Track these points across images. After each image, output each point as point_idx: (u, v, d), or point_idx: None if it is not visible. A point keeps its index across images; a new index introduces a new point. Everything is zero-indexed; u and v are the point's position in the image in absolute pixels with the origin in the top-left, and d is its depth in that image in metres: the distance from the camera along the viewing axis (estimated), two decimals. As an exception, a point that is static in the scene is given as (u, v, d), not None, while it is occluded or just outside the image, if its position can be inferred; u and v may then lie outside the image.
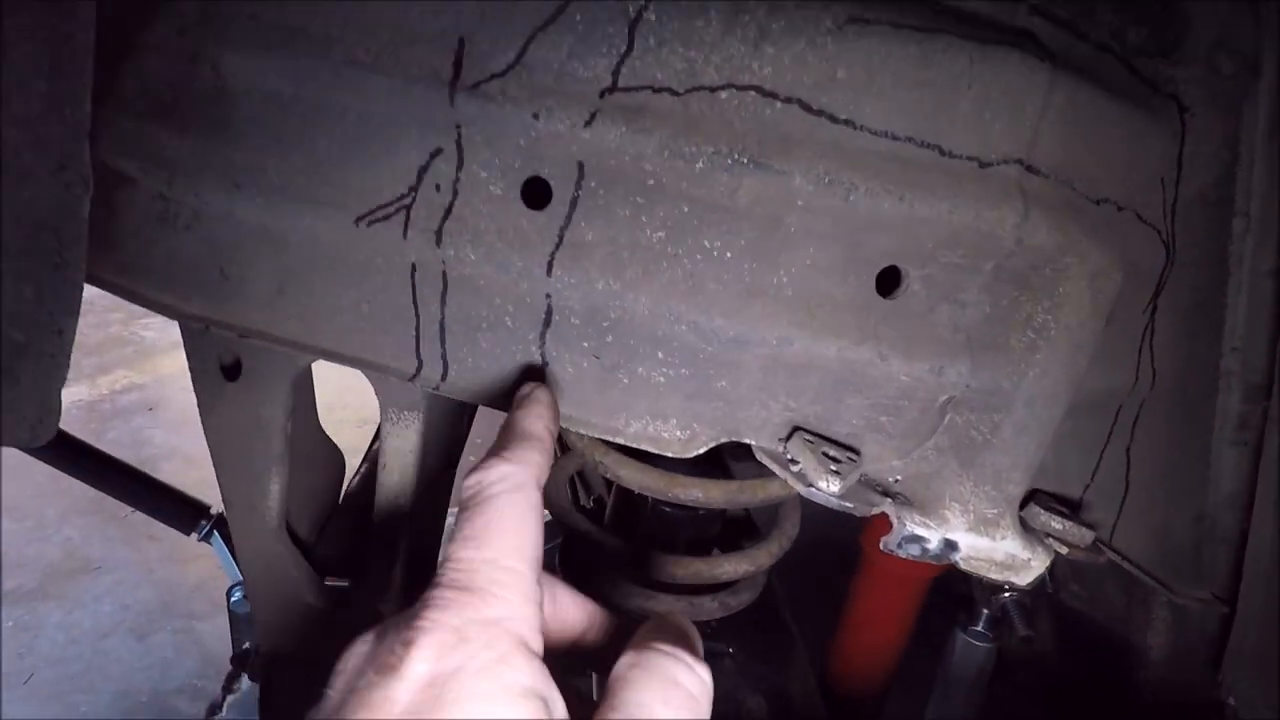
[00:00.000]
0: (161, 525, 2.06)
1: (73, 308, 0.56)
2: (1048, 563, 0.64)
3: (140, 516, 2.12)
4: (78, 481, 1.95)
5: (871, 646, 1.34)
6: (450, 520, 0.88)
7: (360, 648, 0.45)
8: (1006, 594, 1.09)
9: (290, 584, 0.79)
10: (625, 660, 0.46)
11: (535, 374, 0.61)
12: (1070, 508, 0.73)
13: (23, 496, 3.10)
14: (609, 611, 0.55)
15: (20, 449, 0.64)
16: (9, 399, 0.59)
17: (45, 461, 1.83)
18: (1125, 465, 0.77)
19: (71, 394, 3.76)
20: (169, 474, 2.15)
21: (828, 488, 0.56)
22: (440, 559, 0.47)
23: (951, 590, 1.20)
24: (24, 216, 0.51)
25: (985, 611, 1.14)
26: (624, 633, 0.51)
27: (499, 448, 0.52)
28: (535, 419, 0.55)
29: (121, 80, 0.59)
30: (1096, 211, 0.61)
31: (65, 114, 0.47)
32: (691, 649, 0.46)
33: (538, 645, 0.45)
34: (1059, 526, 0.65)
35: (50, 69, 0.46)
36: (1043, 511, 0.65)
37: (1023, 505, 0.67)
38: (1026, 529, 0.65)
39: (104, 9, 0.52)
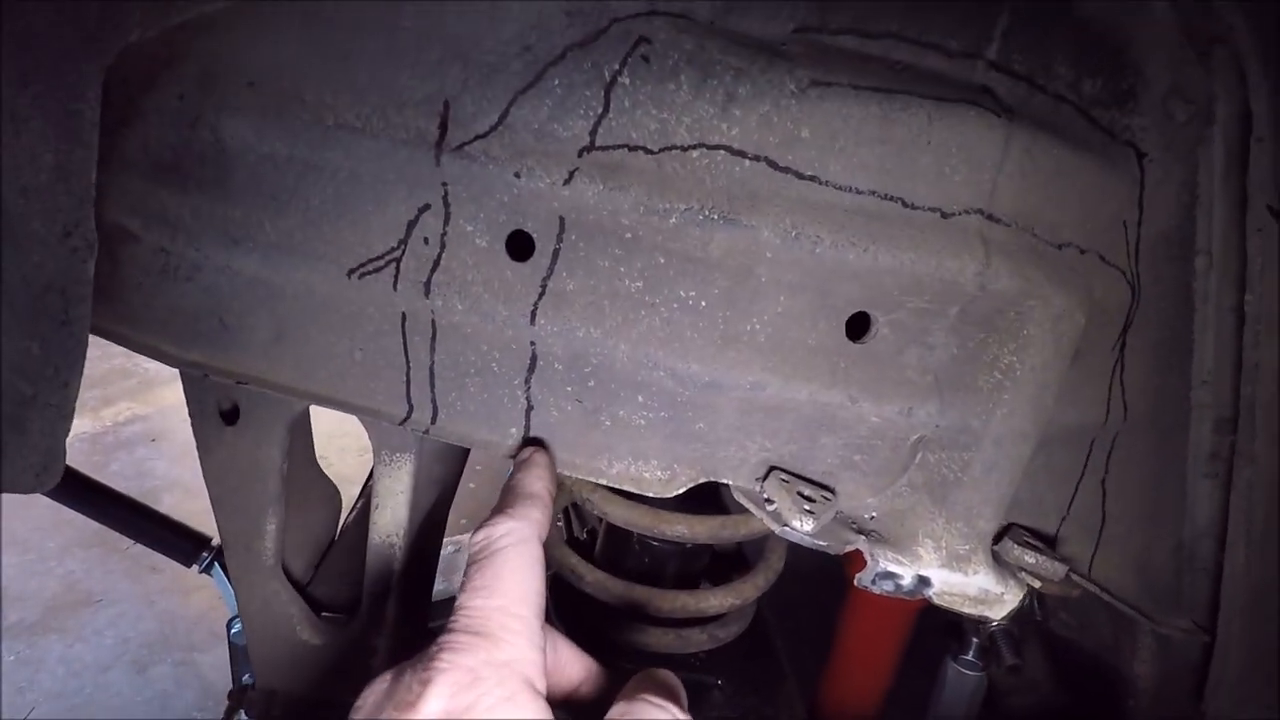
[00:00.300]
0: (163, 557, 2.07)
1: (78, 362, 0.58)
2: (1021, 596, 0.66)
3: (141, 548, 2.14)
4: (79, 514, 1.97)
5: (861, 676, 1.34)
6: (446, 551, 0.90)
7: (379, 686, 0.48)
8: (994, 623, 1.10)
9: (286, 621, 0.81)
10: (616, 709, 0.50)
11: (536, 441, 0.64)
12: (1047, 540, 0.75)
13: (24, 530, 3.12)
14: (605, 667, 0.59)
15: (24, 494, 0.67)
16: (16, 448, 0.61)
17: (47, 495, 1.85)
18: (1101, 497, 0.78)
19: (76, 426, 3.74)
20: (171, 505, 2.17)
21: (801, 526, 0.58)
22: (455, 606, 0.51)
23: (942, 618, 1.21)
24: (32, 279, 0.54)
25: (975, 640, 1.15)
26: (618, 687, 0.55)
27: (503, 505, 0.57)
28: (536, 479, 0.59)
29: (126, 142, 0.62)
30: (1059, 255, 0.63)
31: (72, 184, 0.50)
32: (677, 702, 0.50)
33: (543, 687, 0.49)
34: (1032, 560, 0.66)
35: (58, 142, 0.49)
36: (1016, 546, 0.67)
37: (997, 540, 0.69)
38: (1000, 563, 0.67)
39: (110, 73, 0.55)
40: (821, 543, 0.61)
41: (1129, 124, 0.65)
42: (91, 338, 0.64)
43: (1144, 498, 0.80)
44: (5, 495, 0.65)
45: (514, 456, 0.64)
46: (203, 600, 2.92)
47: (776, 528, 0.60)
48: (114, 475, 3.42)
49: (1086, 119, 0.64)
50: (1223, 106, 0.64)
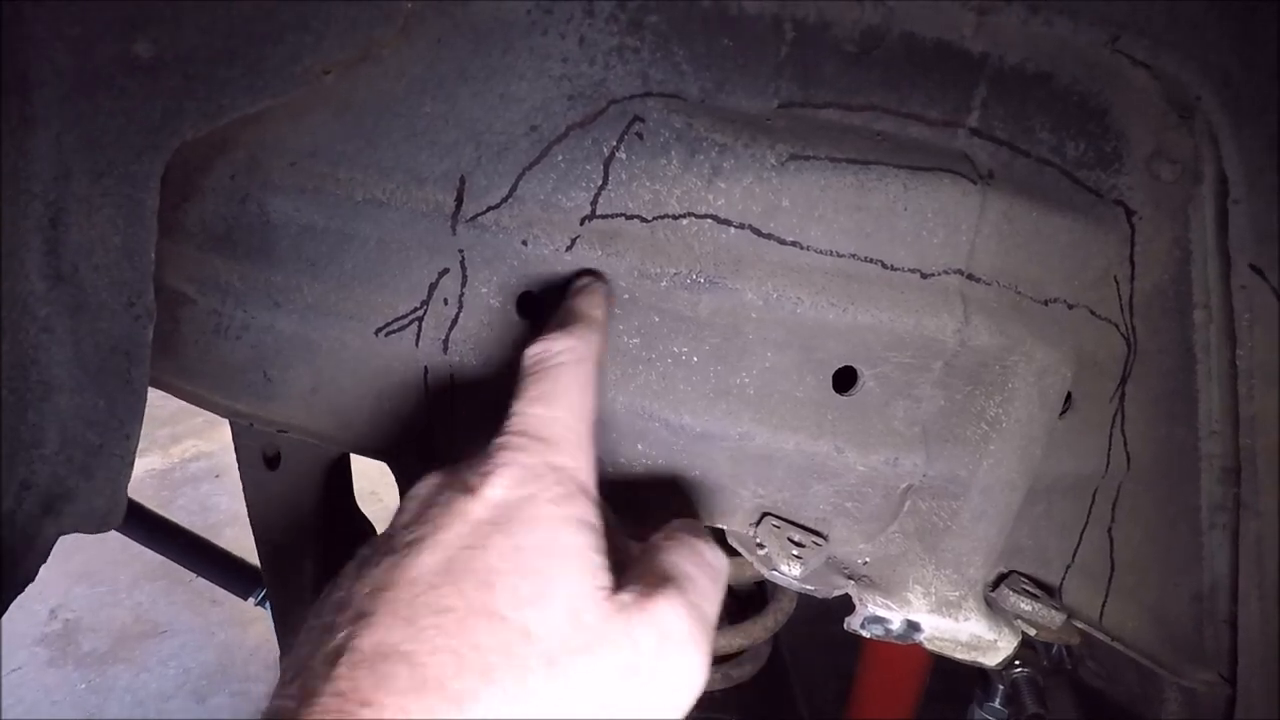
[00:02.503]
0: (223, 590, 2.17)
1: (138, 417, 0.65)
2: (1015, 644, 0.66)
3: (203, 581, 2.25)
4: (148, 549, 2.09)
5: (881, 714, 1.33)
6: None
7: (431, 480, 0.48)
8: (1018, 670, 1.09)
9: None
10: (656, 537, 0.50)
11: (591, 271, 0.63)
12: (1050, 589, 0.75)
13: (98, 563, 3.29)
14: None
15: (90, 534, 0.74)
16: (84, 493, 0.69)
17: (120, 531, 1.97)
18: (1109, 546, 0.79)
19: (146, 462, 3.99)
20: (231, 539, 2.28)
21: (789, 571, 0.61)
22: (509, 412, 0.50)
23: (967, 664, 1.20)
24: (102, 343, 0.61)
25: (1000, 687, 1.13)
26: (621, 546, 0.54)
27: (560, 325, 0.55)
28: (594, 305, 0.58)
29: (186, 216, 0.70)
30: (1045, 311, 0.66)
31: (135, 261, 0.58)
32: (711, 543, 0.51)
33: (596, 495, 0.48)
34: (1028, 608, 0.67)
35: (125, 226, 0.57)
36: (1012, 593, 0.68)
37: (995, 586, 0.70)
38: (996, 610, 0.68)
39: (173, 157, 0.63)
40: (810, 587, 0.63)
41: (1116, 184, 0.67)
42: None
43: (1156, 547, 0.79)
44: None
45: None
46: (259, 632, 3.02)
47: (766, 572, 0.63)
48: (179, 510, 3.59)
49: (1072, 180, 0.67)
50: (1209, 167, 0.66)
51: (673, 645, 0.44)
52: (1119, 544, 0.79)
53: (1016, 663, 1.07)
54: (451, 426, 0.71)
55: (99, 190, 0.56)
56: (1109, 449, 0.74)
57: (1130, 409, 0.75)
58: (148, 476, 3.91)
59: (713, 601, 0.48)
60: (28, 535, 0.69)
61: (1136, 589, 0.80)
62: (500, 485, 0.45)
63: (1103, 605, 0.79)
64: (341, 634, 0.39)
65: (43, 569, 0.69)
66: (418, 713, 0.36)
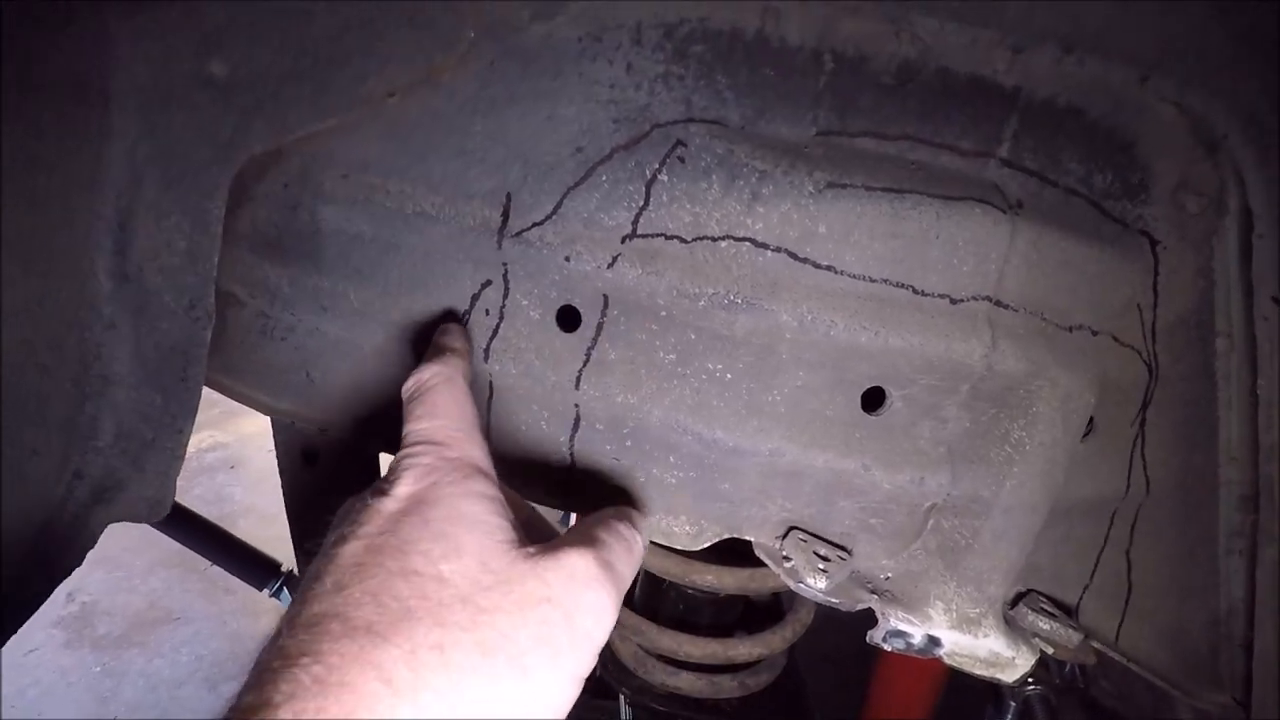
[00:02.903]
0: (237, 579, 2.21)
1: (191, 413, 0.68)
2: (1033, 661, 0.68)
3: (218, 570, 2.28)
4: (164, 535, 2.13)
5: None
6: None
7: (350, 500, 0.55)
8: (1030, 688, 1.10)
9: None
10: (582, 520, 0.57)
11: (449, 315, 0.71)
12: (1068, 609, 0.77)
13: (116, 548, 3.34)
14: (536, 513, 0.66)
15: (139, 523, 0.77)
16: (135, 483, 0.72)
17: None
18: (1126, 568, 0.80)
19: (165, 451, 4.04)
20: (246, 530, 2.31)
21: (815, 584, 0.63)
22: (401, 435, 0.57)
23: (980, 680, 1.21)
24: (162, 342, 0.64)
25: (1013, 704, 1.15)
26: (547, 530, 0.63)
27: (427, 359, 0.63)
28: (452, 339, 0.66)
29: (239, 221, 0.73)
30: (1069, 338, 0.67)
31: (199, 266, 0.61)
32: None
33: (493, 476, 0.56)
34: (1046, 627, 0.69)
35: (191, 232, 0.59)
36: (1030, 612, 0.70)
37: (1014, 604, 0.71)
38: (1014, 628, 0.70)
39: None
40: (834, 600, 0.65)
41: (1141, 214, 0.69)
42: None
43: (1174, 571, 0.81)
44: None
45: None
46: (271, 622, 3.04)
47: (792, 584, 0.65)
48: (196, 499, 3.64)
49: (1098, 210, 0.68)
50: (1232, 199, 0.67)
51: (580, 583, 0.50)
52: (1137, 566, 0.80)
53: (1029, 681, 1.08)
54: (486, 432, 0.73)
55: (169, 198, 0.59)
56: (1129, 473, 0.76)
57: (1151, 434, 0.76)
58: (165, 465, 3.96)
59: (625, 564, 0.54)
60: (77, 522, 0.72)
61: (1153, 611, 0.81)
62: (406, 482, 0.52)
63: (1119, 626, 0.81)
64: (284, 621, 0.45)
65: None
66: (349, 652, 0.42)
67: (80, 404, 0.68)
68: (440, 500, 0.51)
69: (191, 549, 2.22)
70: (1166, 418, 0.76)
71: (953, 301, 0.63)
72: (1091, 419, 0.72)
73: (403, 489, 0.52)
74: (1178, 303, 0.73)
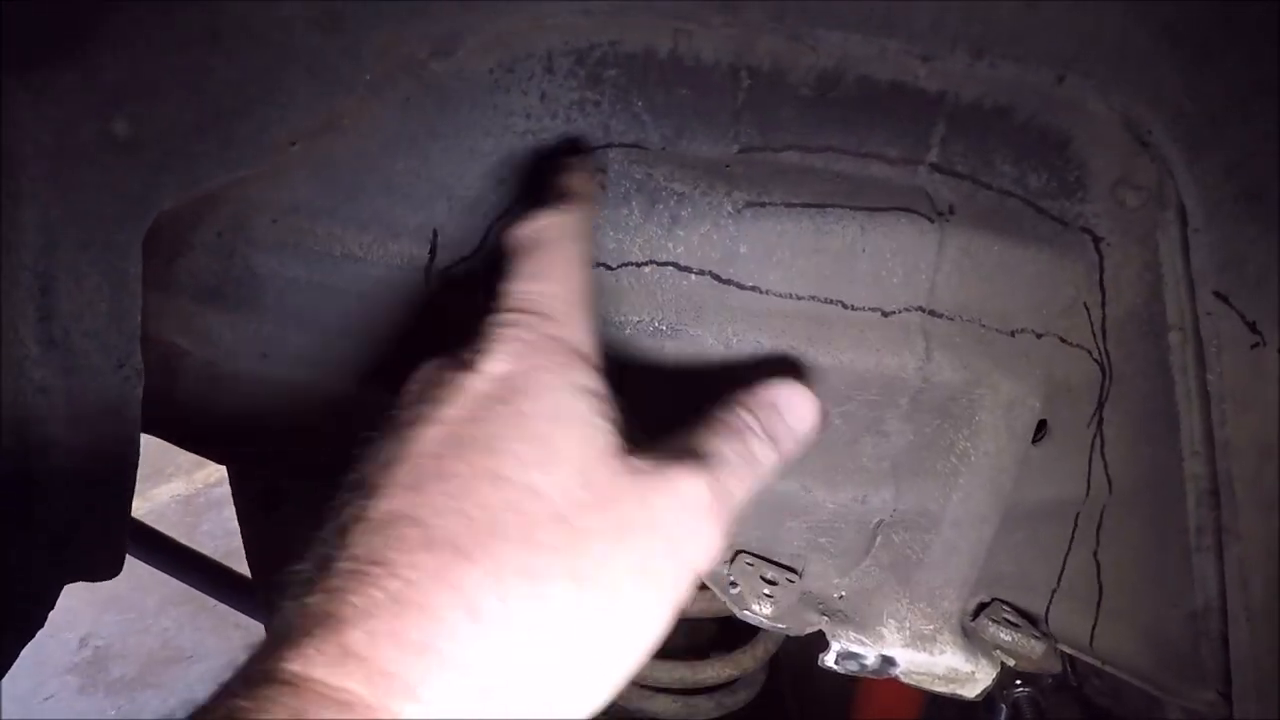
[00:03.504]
0: (244, 615, 2.21)
1: (132, 469, 0.68)
2: (994, 675, 0.67)
3: (226, 606, 2.29)
4: (172, 576, 2.14)
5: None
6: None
7: (428, 365, 0.47)
8: (1020, 690, 1.09)
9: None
10: (707, 411, 0.48)
11: (573, 147, 0.62)
12: (1035, 615, 0.75)
13: (126, 589, 3.35)
14: None
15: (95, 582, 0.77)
16: (86, 544, 0.72)
17: (142, 560, 2.02)
18: (1095, 569, 0.78)
19: (170, 489, 4.07)
20: (251, 567, 2.32)
21: (760, 610, 0.61)
22: (498, 292, 0.48)
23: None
24: (94, 402, 0.64)
25: (1003, 707, 1.13)
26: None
27: (543, 202, 0.52)
28: (582, 180, 0.56)
29: (177, 271, 0.73)
30: (1011, 342, 0.66)
31: (122, 325, 0.60)
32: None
33: (600, 364, 0.47)
34: (1007, 638, 0.67)
35: (110, 293, 0.59)
36: (991, 624, 0.68)
37: (976, 615, 0.70)
38: (975, 640, 0.68)
39: (164, 215, 0.66)
40: (782, 625, 0.64)
41: (1081, 211, 0.68)
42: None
43: (1145, 569, 0.79)
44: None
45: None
46: (282, 656, 3.06)
47: (738, 611, 0.64)
48: (204, 535, 3.65)
49: (1035, 209, 0.67)
50: (1172, 193, 0.66)
51: (689, 514, 0.43)
52: (1106, 567, 0.78)
53: (1018, 682, 1.07)
54: None
55: (85, 260, 0.59)
56: (1089, 474, 0.74)
57: (1109, 433, 0.75)
58: (173, 502, 3.99)
59: (744, 487, 0.46)
60: (36, 585, 0.72)
61: (1128, 611, 0.80)
62: (500, 360, 0.44)
63: (1093, 629, 0.79)
64: (351, 508, 0.40)
65: (72, 598, 0.72)
66: (429, 568, 0.37)
67: (26, 468, 0.68)
68: (539, 390, 0.43)
69: (198, 588, 2.22)
70: (1125, 415, 0.74)
71: (884, 314, 0.62)
72: (1044, 422, 0.71)
73: (496, 366, 0.43)
74: (1127, 298, 0.71)
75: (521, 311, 0.46)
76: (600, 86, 0.61)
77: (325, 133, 0.58)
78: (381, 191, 0.66)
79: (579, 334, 0.47)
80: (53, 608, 0.74)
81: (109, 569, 0.74)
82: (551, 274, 0.48)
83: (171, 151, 0.56)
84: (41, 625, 0.74)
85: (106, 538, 0.72)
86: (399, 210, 0.66)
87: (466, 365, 0.44)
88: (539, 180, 0.58)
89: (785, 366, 0.58)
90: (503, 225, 0.54)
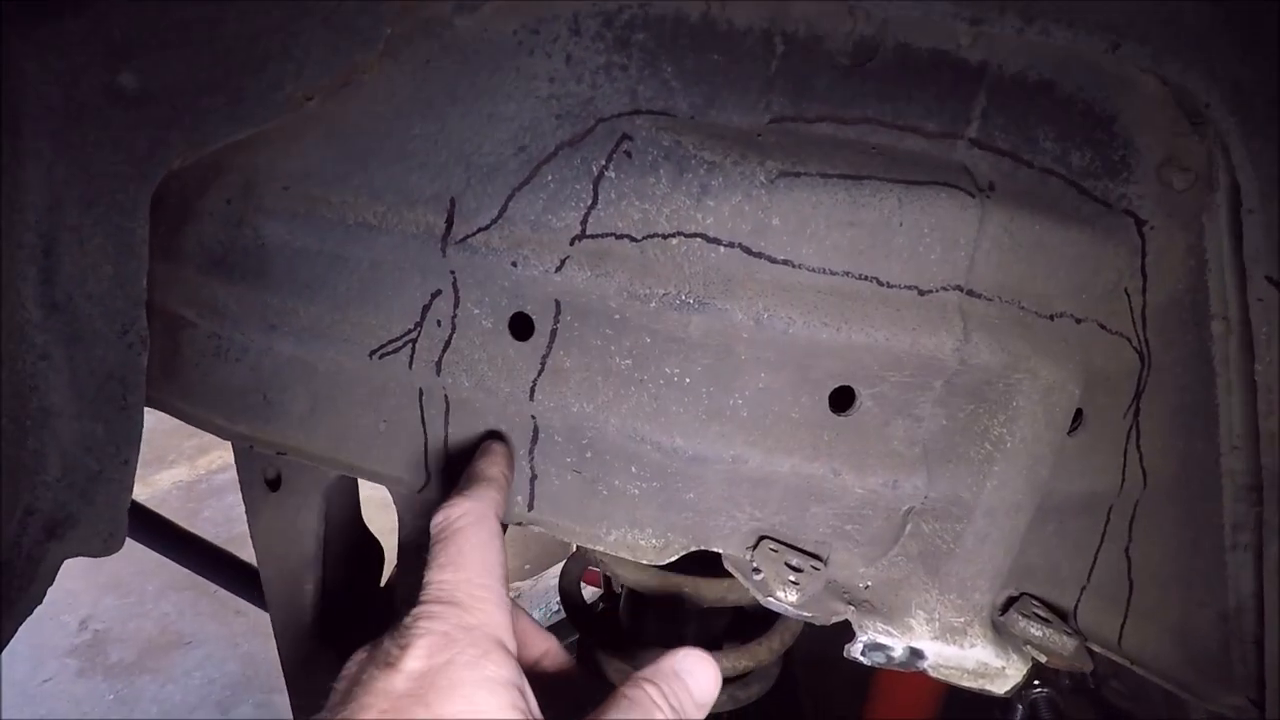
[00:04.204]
0: (246, 602, 2.19)
1: (135, 441, 0.66)
2: (1025, 671, 0.64)
3: (228, 593, 2.27)
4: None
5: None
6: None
7: (359, 656, 0.52)
8: (1037, 690, 1.06)
9: (323, 677, 0.85)
10: (624, 685, 0.52)
11: (495, 433, 0.67)
12: (1064, 612, 0.73)
13: (126, 573, 3.34)
14: (562, 647, 0.63)
15: (96, 557, 0.74)
16: (86, 517, 0.69)
17: (143, 543, 2.01)
18: (1126, 565, 0.76)
19: (172, 475, 4.05)
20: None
21: (785, 598, 0.59)
22: (423, 582, 0.54)
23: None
24: (97, 370, 0.62)
25: (1020, 707, 1.10)
26: (574, 668, 0.58)
27: (461, 489, 0.60)
28: (492, 465, 0.62)
29: (184, 240, 0.71)
30: (1050, 327, 0.63)
31: (127, 289, 0.58)
32: (688, 693, 0.52)
33: (513, 648, 0.52)
34: (1038, 634, 0.65)
35: (115, 255, 0.57)
36: (1022, 618, 0.66)
37: (1005, 610, 0.68)
38: (1004, 635, 0.66)
39: (171, 182, 0.63)
40: (807, 614, 0.62)
41: (1125, 193, 0.65)
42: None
43: (1178, 566, 0.76)
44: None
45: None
46: (282, 643, 3.05)
47: (761, 598, 0.62)
48: (205, 521, 3.64)
49: (1077, 190, 0.64)
50: (1223, 175, 0.63)
51: None
52: (1137, 563, 0.76)
53: (1036, 682, 1.04)
54: (445, 448, 0.70)
55: (89, 220, 0.56)
56: (1124, 466, 0.72)
57: (1146, 425, 0.72)
58: (174, 489, 3.98)
59: None
60: (33, 559, 0.70)
61: (1157, 610, 0.77)
62: (418, 656, 0.48)
63: (1121, 627, 0.76)
64: None
65: (72, 580, 0.70)
66: None
67: (23, 438, 0.66)
68: (454, 688, 0.47)
69: (199, 574, 2.21)
70: (1162, 407, 0.72)
71: (921, 293, 0.60)
72: (1080, 411, 0.68)
73: (413, 663, 0.48)
74: (1169, 285, 0.69)
75: (438, 602, 0.51)
76: (628, 50, 0.58)
77: (341, 91, 0.56)
78: (397, 158, 0.63)
79: (492, 618, 0.52)
80: (52, 583, 0.72)
81: (109, 545, 0.72)
82: (464, 561, 0.54)
83: (181, 106, 0.53)
84: (40, 601, 0.72)
85: (107, 513, 0.70)
86: (415, 177, 0.63)
87: (388, 663, 0.48)
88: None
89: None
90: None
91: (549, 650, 0.62)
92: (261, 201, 0.67)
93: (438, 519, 0.57)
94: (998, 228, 0.60)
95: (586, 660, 0.93)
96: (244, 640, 3.10)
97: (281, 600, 0.84)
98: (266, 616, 2.26)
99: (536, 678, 0.59)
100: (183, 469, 4.10)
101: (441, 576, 0.53)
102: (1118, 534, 0.75)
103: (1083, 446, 0.69)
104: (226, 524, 3.70)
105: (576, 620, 0.92)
